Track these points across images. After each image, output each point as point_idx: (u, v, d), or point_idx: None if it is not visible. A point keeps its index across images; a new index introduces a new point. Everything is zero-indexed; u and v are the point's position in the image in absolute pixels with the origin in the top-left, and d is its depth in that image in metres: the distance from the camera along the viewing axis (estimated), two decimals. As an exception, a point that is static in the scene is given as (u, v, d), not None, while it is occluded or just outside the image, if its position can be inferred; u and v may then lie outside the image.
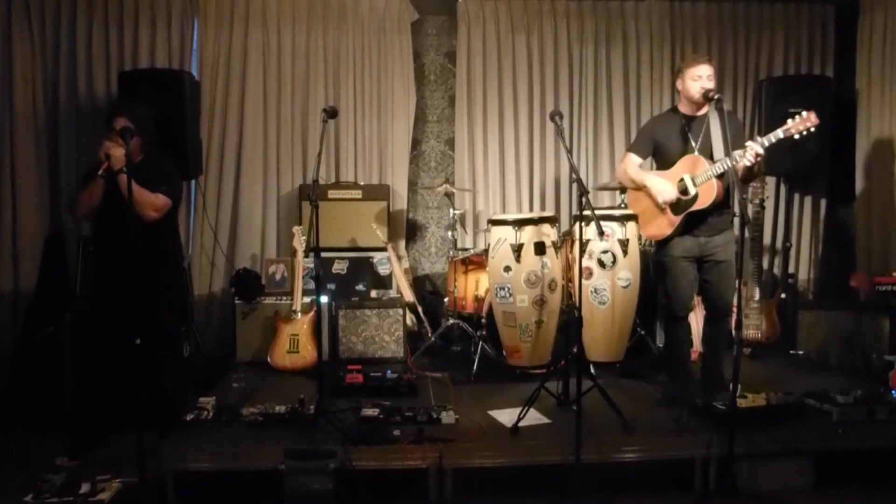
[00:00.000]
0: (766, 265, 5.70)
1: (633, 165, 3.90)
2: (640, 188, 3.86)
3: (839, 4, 5.76)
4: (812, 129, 3.43)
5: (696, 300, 4.42)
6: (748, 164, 3.46)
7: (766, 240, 5.69)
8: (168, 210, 3.57)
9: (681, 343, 3.96)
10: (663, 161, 3.86)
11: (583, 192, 3.29)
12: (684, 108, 3.80)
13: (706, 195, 3.63)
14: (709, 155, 3.67)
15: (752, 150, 3.42)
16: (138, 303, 2.97)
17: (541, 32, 5.67)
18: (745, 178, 3.70)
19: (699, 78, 3.64)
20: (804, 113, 3.44)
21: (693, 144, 3.72)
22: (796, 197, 5.84)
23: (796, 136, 3.46)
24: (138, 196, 3.27)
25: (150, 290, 3.22)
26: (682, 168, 3.73)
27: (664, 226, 3.80)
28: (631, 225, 4.34)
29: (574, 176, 3.33)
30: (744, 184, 3.92)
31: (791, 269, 5.72)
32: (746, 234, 3.47)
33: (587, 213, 3.34)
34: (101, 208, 3.46)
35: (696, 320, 4.60)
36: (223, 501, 3.26)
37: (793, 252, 5.76)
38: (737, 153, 3.46)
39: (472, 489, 3.21)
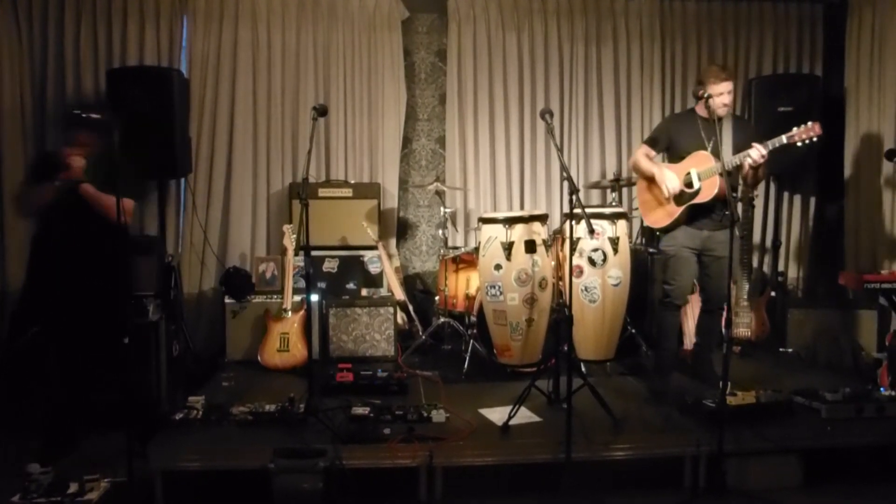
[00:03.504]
0: (755, 263, 5.72)
1: (643, 156, 4.11)
2: (648, 178, 4.04)
3: (828, 4, 5.79)
4: (815, 140, 3.57)
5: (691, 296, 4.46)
6: (750, 164, 3.67)
7: (756, 238, 5.72)
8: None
9: (671, 332, 4.10)
10: (675, 157, 4.05)
11: (573, 190, 3.31)
12: (701, 111, 3.97)
13: (708, 190, 3.82)
14: (718, 156, 3.78)
15: (757, 152, 3.64)
16: (89, 301, 3.00)
17: (531, 30, 5.67)
18: (751, 182, 4.01)
19: (720, 95, 3.80)
20: (809, 123, 3.59)
21: (706, 147, 3.88)
22: (786, 195, 5.86)
23: (799, 144, 3.63)
24: (104, 202, 3.41)
25: (101, 288, 3.35)
26: (691, 162, 3.91)
27: (666, 215, 4.00)
28: (621, 223, 4.36)
29: (564, 174, 3.35)
30: (752, 188, 4.13)
31: (780, 267, 5.74)
32: (736, 232, 3.54)
33: (577, 211, 3.35)
34: (52, 207, 3.48)
35: (689, 318, 4.63)
36: (212, 501, 3.25)
37: (782, 250, 5.78)
38: (740, 154, 3.68)
39: (462, 488, 3.21)
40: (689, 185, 3.88)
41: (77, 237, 3.39)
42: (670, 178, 3.93)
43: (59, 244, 3.52)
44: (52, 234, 3.57)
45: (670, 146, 4.09)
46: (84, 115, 3.41)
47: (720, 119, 3.62)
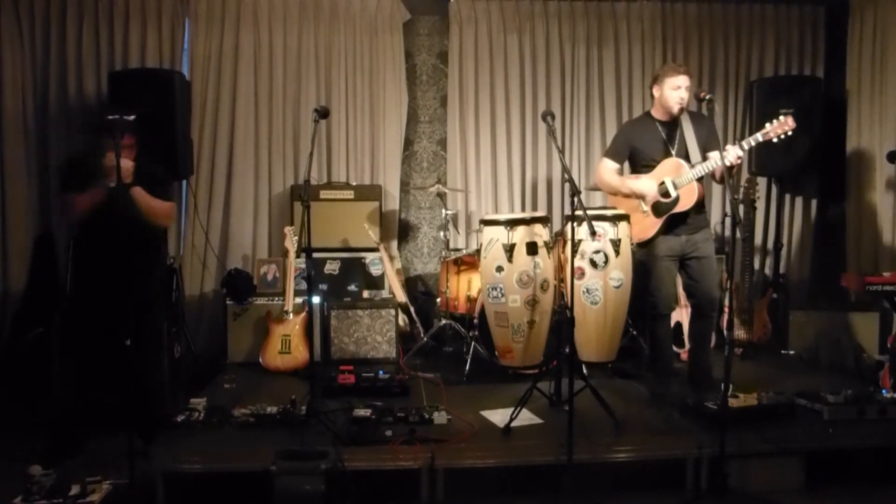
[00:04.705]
0: (757, 265, 5.71)
1: (610, 171, 4.03)
2: (619, 194, 3.99)
3: (829, 6, 5.79)
4: (789, 133, 3.60)
5: (686, 300, 4.45)
6: (729, 165, 3.59)
7: (758, 240, 5.72)
8: None
9: (665, 340, 4.07)
10: (638, 165, 3.99)
11: (574, 192, 3.31)
12: (658, 114, 3.95)
13: (687, 198, 3.78)
14: (685, 158, 3.81)
15: (733, 153, 3.58)
16: (130, 305, 3.00)
17: (532, 33, 5.67)
18: (721, 179, 3.87)
19: (678, 88, 3.78)
20: (781, 117, 3.62)
21: (671, 149, 3.85)
22: (787, 197, 5.86)
23: (774, 140, 3.61)
24: (153, 206, 3.46)
25: (142, 293, 3.26)
26: (662, 171, 3.86)
27: (647, 227, 3.93)
28: (623, 225, 4.34)
29: (566, 176, 3.35)
30: (720, 183, 4.06)
31: (782, 269, 5.74)
32: (738, 234, 3.53)
33: (579, 213, 3.35)
34: (96, 213, 3.46)
35: (687, 321, 4.61)
36: (213, 503, 3.25)
37: (784, 252, 5.78)
38: (716, 155, 3.59)
39: (463, 490, 3.20)
40: (665, 194, 3.83)
41: (121, 241, 3.34)
42: (646, 185, 3.87)
43: (102, 248, 3.48)
44: (96, 238, 3.57)
45: (632, 154, 4.01)
46: (121, 118, 3.41)
47: (710, 109, 3.56)
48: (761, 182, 5.53)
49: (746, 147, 3.63)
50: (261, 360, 4.58)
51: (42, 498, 2.96)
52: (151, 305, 3.61)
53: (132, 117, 3.46)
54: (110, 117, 3.39)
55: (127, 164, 3.32)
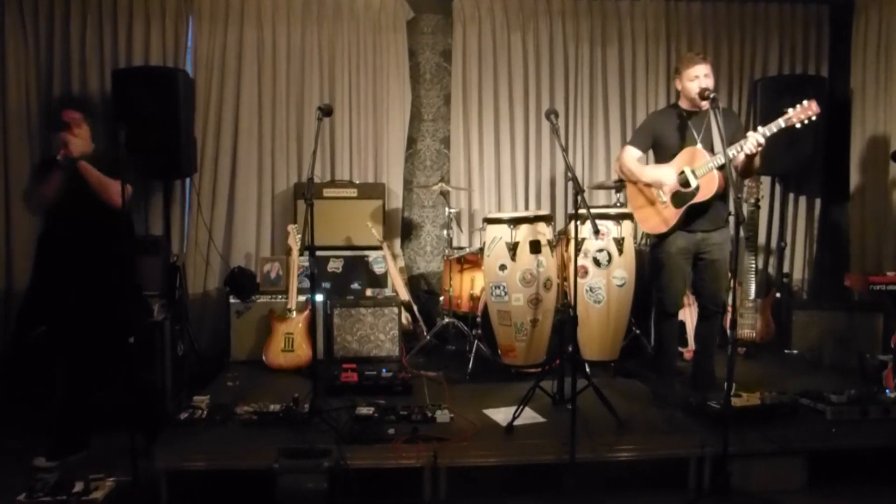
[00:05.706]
0: (760, 265, 5.70)
1: (632, 159, 3.89)
2: (639, 182, 3.87)
3: (833, 5, 5.77)
4: (813, 118, 3.45)
5: (691, 299, 4.44)
6: (749, 153, 3.49)
7: (761, 239, 5.70)
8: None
9: (670, 339, 4.01)
10: (663, 155, 3.86)
11: (578, 190, 3.30)
12: (684, 105, 3.82)
13: (707, 187, 3.65)
14: (710, 150, 3.69)
15: (754, 139, 3.46)
16: (95, 291, 3.02)
17: (536, 31, 5.67)
18: (744, 172, 3.78)
19: (696, 78, 3.68)
20: (805, 102, 3.45)
21: (696, 139, 3.72)
22: (791, 196, 5.85)
23: (797, 126, 3.48)
24: (104, 181, 3.40)
25: (105, 277, 3.34)
26: (681, 161, 3.74)
27: (665, 219, 3.79)
28: (626, 224, 4.35)
29: (569, 174, 3.34)
30: (742, 178, 3.95)
31: (785, 269, 5.73)
32: (741, 233, 3.47)
33: (582, 211, 3.34)
34: (56, 202, 3.47)
35: (692, 320, 4.62)
36: (217, 500, 3.26)
37: (787, 251, 5.77)
38: (738, 144, 3.49)
39: (466, 488, 3.21)
40: (685, 184, 3.70)
41: (83, 232, 3.39)
42: (664, 173, 3.74)
43: (65, 241, 3.52)
44: (58, 231, 3.58)
45: (656, 144, 3.89)
46: (71, 97, 3.46)
47: (714, 107, 3.47)
48: (765, 181, 5.52)
49: (768, 133, 3.48)
50: (264, 358, 4.59)
51: (46, 495, 2.97)
52: (119, 291, 3.53)
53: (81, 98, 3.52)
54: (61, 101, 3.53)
55: (71, 138, 3.37)
